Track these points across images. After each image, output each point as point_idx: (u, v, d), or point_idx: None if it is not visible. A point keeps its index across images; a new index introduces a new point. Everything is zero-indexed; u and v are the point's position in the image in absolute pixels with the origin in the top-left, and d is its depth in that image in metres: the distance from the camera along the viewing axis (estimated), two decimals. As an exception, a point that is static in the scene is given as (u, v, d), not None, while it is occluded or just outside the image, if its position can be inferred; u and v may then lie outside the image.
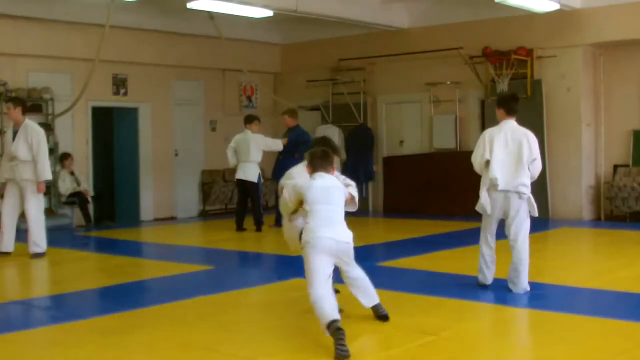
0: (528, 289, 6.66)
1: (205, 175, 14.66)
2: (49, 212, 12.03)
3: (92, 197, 12.86)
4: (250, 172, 11.43)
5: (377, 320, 5.64)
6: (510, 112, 6.80)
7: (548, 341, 5.20)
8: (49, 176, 9.20)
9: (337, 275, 5.59)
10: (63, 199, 12.58)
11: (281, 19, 13.09)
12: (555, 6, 11.25)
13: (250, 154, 11.36)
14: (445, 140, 13.60)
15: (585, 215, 12.31)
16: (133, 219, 13.67)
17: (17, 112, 9.13)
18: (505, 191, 6.64)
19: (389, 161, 14.36)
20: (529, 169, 6.65)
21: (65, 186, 12.50)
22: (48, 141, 12.12)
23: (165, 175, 14.03)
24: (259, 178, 11.61)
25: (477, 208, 6.81)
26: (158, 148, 13.91)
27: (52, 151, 12.30)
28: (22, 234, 9.50)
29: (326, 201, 5.28)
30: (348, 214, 5.54)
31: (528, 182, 6.65)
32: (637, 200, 11.78)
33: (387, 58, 13.97)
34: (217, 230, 12.42)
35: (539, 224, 10.60)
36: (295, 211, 5.69)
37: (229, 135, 12.58)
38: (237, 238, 11.17)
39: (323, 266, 5.18)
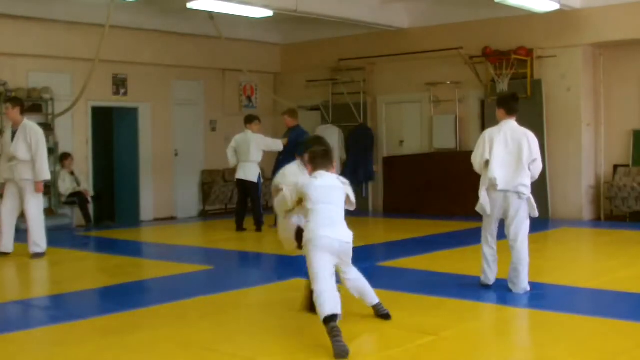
0: (528, 289, 6.65)
1: (205, 175, 14.66)
2: (49, 212, 12.03)
3: (92, 197, 12.86)
4: (250, 172, 11.43)
5: (378, 319, 5.64)
6: (510, 112, 6.79)
7: (548, 341, 5.20)
8: (47, 176, 9.19)
9: (336, 277, 5.59)
10: (63, 199, 12.58)
11: (281, 19, 13.09)
12: (555, 6, 11.25)
13: (251, 154, 11.36)
14: (445, 140, 13.60)
15: (585, 215, 12.31)
16: (133, 219, 13.67)
17: (15, 112, 9.12)
18: (505, 191, 6.64)
19: (389, 161, 14.36)
20: (529, 169, 6.65)
21: (65, 186, 12.50)
22: (48, 141, 12.15)
23: (165, 175, 14.03)
24: (259, 178, 11.62)
25: (477, 209, 6.81)
26: (158, 148, 13.91)
27: (52, 151, 12.32)
28: (22, 234, 9.50)
29: (328, 200, 5.31)
30: (348, 214, 5.56)
31: (528, 182, 6.64)
32: (637, 200, 11.78)
33: (387, 58, 13.97)
34: (217, 230, 12.42)
35: (539, 224, 10.60)
36: (291, 210, 5.70)
37: (229, 135, 12.58)
38: (237, 238, 11.17)
39: (325, 264, 5.21)
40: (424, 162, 13.82)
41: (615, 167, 12.41)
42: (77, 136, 12.94)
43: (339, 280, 5.63)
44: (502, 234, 6.84)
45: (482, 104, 13.15)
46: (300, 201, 5.43)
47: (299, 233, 5.82)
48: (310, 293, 5.36)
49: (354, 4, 12.47)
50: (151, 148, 13.83)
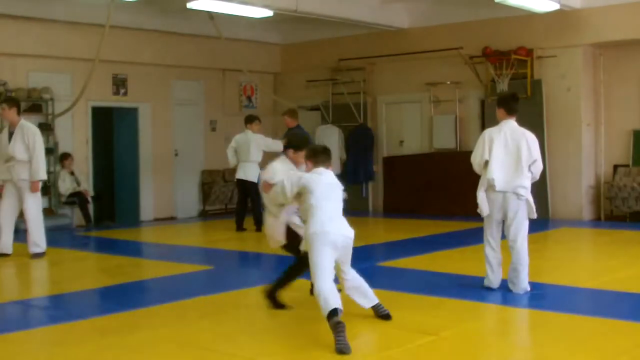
0: (528, 289, 6.65)
1: (205, 175, 14.66)
2: (49, 212, 12.03)
3: (92, 197, 12.87)
4: (250, 172, 11.43)
5: (378, 319, 5.64)
6: (510, 112, 6.77)
7: (548, 341, 5.20)
8: (43, 176, 9.18)
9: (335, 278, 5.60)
10: (63, 199, 12.58)
11: (281, 19, 13.09)
12: (555, 6, 11.25)
13: (251, 154, 11.36)
14: (445, 140, 13.60)
15: (585, 215, 12.31)
16: (133, 219, 13.67)
17: (12, 112, 9.12)
18: (504, 192, 6.63)
19: (389, 161, 14.36)
20: (530, 170, 6.63)
21: (65, 186, 12.51)
22: (48, 141, 12.25)
23: (165, 175, 14.03)
24: (259, 178, 11.60)
25: (478, 210, 6.80)
26: (158, 148, 13.91)
27: (52, 151, 12.35)
28: (22, 234, 9.49)
29: (331, 197, 5.42)
30: (348, 214, 5.58)
31: (527, 183, 6.62)
32: (637, 200, 11.78)
33: (387, 58, 13.97)
34: (217, 230, 12.42)
35: (538, 224, 10.60)
36: (282, 204, 5.79)
37: (229, 135, 12.58)
38: (237, 238, 11.17)
39: (328, 259, 5.27)
40: (424, 162, 13.82)
41: (615, 167, 12.41)
42: (77, 136, 12.94)
43: (337, 281, 5.64)
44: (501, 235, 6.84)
45: (482, 104, 13.15)
46: (298, 195, 5.48)
47: (288, 230, 5.91)
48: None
49: (354, 4, 12.47)
50: (151, 148, 13.83)
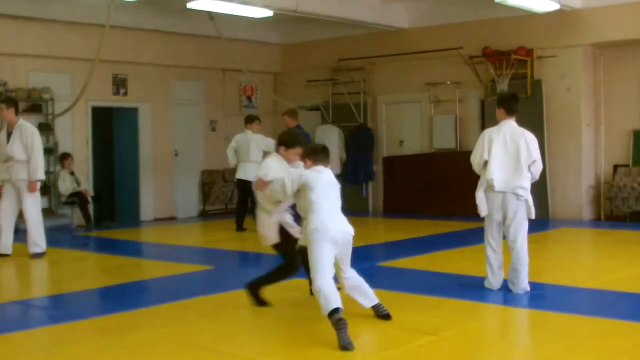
0: (528, 289, 6.65)
1: (205, 175, 14.66)
2: (49, 212, 12.04)
3: (92, 197, 12.87)
4: (250, 172, 11.38)
5: (378, 319, 5.64)
6: (510, 112, 6.77)
7: (548, 341, 5.20)
8: (41, 176, 9.17)
9: (335, 279, 5.60)
10: (63, 199, 12.58)
11: (281, 19, 13.09)
12: (555, 6, 11.25)
13: (251, 154, 11.36)
14: (445, 140, 13.60)
15: (585, 215, 12.31)
16: (133, 219, 13.67)
17: (10, 112, 9.12)
18: (503, 192, 6.62)
19: (389, 161, 14.36)
20: (529, 170, 6.63)
21: (65, 186, 12.50)
22: (48, 141, 12.26)
23: (165, 175, 14.03)
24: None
25: (478, 210, 6.79)
26: (158, 148, 13.91)
27: (52, 151, 12.35)
28: (21, 234, 9.49)
29: (330, 195, 5.48)
30: (348, 214, 5.58)
31: (527, 184, 6.61)
32: (637, 200, 11.78)
33: (387, 58, 13.97)
34: (217, 230, 12.42)
35: (538, 224, 10.60)
36: (279, 201, 5.85)
37: (229, 135, 12.58)
38: (237, 238, 11.17)
39: (329, 257, 5.31)
40: (424, 162, 13.82)
41: (615, 167, 12.41)
42: (77, 136, 12.94)
43: (336, 281, 5.64)
44: (501, 235, 6.85)
45: (482, 104, 13.15)
46: (296, 192, 5.53)
47: (280, 230, 5.98)
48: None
49: (354, 4, 12.47)
50: (151, 148, 13.83)
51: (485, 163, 6.66)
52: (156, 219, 13.80)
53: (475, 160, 6.78)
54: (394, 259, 8.85)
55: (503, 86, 12.38)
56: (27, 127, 9.13)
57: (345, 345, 4.86)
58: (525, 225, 6.68)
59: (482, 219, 6.84)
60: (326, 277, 5.19)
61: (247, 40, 14.54)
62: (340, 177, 13.94)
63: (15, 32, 11.88)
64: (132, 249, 10.43)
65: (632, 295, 6.66)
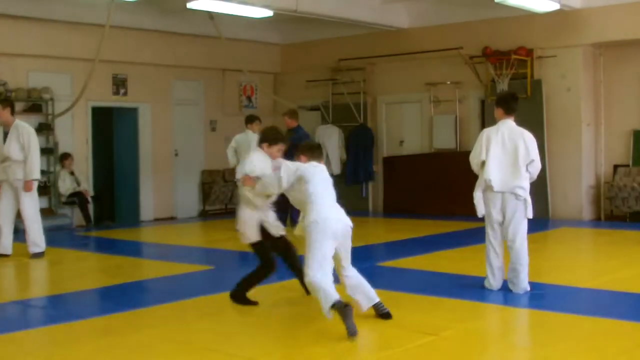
0: (528, 289, 6.65)
1: (205, 175, 14.65)
2: (49, 212, 12.05)
3: (92, 197, 12.87)
4: (250, 172, 11.41)
5: (379, 319, 5.65)
6: (508, 112, 6.75)
7: (548, 341, 5.20)
8: (37, 175, 9.17)
9: (336, 277, 5.60)
10: (63, 199, 12.57)
11: (281, 19, 13.09)
12: (555, 6, 11.25)
13: (251, 154, 11.35)
14: (445, 140, 13.60)
15: (585, 215, 12.31)
16: (133, 219, 13.67)
17: (6, 113, 9.11)
18: (502, 192, 6.62)
19: (389, 161, 14.36)
20: (527, 170, 6.62)
21: (65, 186, 12.50)
22: (48, 141, 12.26)
23: (165, 175, 14.03)
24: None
25: (476, 211, 6.79)
26: (158, 148, 13.91)
27: (52, 151, 12.35)
28: (21, 234, 9.49)
29: (328, 189, 5.63)
30: (348, 214, 5.60)
31: (526, 183, 6.60)
32: (637, 200, 11.78)
33: (387, 58, 13.97)
34: (217, 230, 12.41)
35: (539, 224, 10.62)
36: (269, 195, 6.00)
37: (229, 135, 12.57)
38: (237, 238, 11.07)
39: (327, 251, 5.37)
40: (424, 162, 13.82)
41: (615, 167, 12.41)
42: (77, 136, 12.94)
43: (337, 281, 5.65)
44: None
45: (482, 104, 13.15)
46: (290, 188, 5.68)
47: (261, 229, 6.11)
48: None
49: (354, 4, 12.47)
50: (151, 148, 13.83)
51: (483, 163, 6.65)
52: (156, 219, 13.80)
53: (474, 161, 6.78)
54: (394, 259, 8.85)
55: (503, 86, 12.38)
56: (24, 127, 9.14)
57: (353, 332, 5.03)
58: (524, 225, 6.68)
59: (482, 219, 6.84)
60: (319, 270, 5.27)
61: (247, 40, 14.54)
62: (340, 177, 14.01)
63: (15, 32, 11.87)
64: (132, 249, 10.43)
65: (632, 295, 6.66)
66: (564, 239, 10.77)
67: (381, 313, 5.67)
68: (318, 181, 5.55)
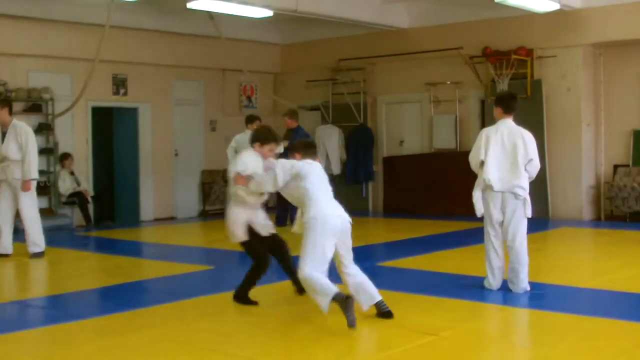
0: (528, 289, 6.65)
1: (205, 175, 14.65)
2: (49, 212, 12.05)
3: (92, 197, 12.86)
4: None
5: (380, 318, 5.65)
6: (507, 111, 6.75)
7: (548, 341, 5.20)
8: (35, 175, 9.17)
9: (337, 278, 5.60)
10: (63, 199, 12.57)
11: (281, 19, 13.09)
12: (555, 6, 11.25)
13: (251, 154, 11.35)
14: (445, 140, 13.60)
15: (585, 215, 12.31)
16: (133, 219, 13.67)
17: (4, 113, 9.11)
18: (502, 192, 6.61)
19: (389, 161, 14.36)
20: (526, 169, 6.62)
21: (65, 186, 12.50)
22: (48, 141, 12.25)
23: (165, 175, 14.03)
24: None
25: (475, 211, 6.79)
26: (158, 148, 13.91)
27: (52, 151, 12.35)
28: (21, 234, 9.49)
29: (325, 185, 5.68)
30: (349, 214, 5.60)
31: (525, 183, 6.60)
32: (637, 200, 11.78)
33: (387, 58, 13.96)
34: (217, 230, 12.38)
35: (539, 224, 10.63)
36: (262, 194, 6.04)
37: (229, 135, 12.57)
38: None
39: (327, 248, 5.39)
40: (424, 162, 13.82)
41: (615, 167, 12.41)
42: (77, 136, 12.94)
43: (339, 281, 5.65)
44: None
45: (482, 104, 13.15)
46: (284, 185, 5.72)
47: (249, 229, 6.16)
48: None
49: (354, 4, 12.47)
50: (151, 148, 13.83)
51: (483, 163, 6.65)
52: (156, 219, 13.80)
53: (473, 160, 6.78)
54: (394, 259, 8.85)
55: (503, 86, 12.38)
56: (22, 127, 9.14)
57: (352, 323, 5.13)
58: (524, 225, 6.67)
59: (482, 219, 6.84)
60: (315, 266, 5.29)
61: (247, 40, 14.54)
62: (340, 177, 14.01)
63: (15, 32, 11.87)
64: (132, 249, 10.43)
65: (632, 295, 6.66)
66: (564, 239, 10.77)
67: (382, 312, 5.67)
68: (314, 178, 5.60)
